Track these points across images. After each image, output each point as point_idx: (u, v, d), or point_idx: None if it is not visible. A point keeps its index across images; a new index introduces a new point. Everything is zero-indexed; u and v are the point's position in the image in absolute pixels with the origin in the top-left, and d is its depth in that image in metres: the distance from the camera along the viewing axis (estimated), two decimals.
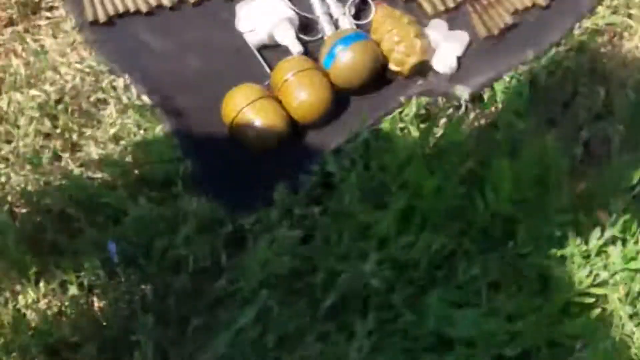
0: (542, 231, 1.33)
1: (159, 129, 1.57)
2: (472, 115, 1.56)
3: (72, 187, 1.48)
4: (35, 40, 1.76)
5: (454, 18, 1.76)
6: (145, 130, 1.59)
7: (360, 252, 1.32)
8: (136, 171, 1.47)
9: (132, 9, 1.79)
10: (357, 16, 1.78)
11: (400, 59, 1.66)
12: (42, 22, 1.80)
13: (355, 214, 1.30)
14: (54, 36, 1.77)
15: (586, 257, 1.34)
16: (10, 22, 1.79)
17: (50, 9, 1.83)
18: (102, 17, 1.77)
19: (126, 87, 1.63)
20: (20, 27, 1.79)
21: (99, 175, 1.46)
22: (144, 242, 1.39)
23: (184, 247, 1.32)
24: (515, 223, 1.34)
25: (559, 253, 1.33)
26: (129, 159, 1.49)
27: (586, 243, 1.34)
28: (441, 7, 1.78)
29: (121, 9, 1.79)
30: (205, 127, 1.61)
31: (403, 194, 1.34)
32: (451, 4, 1.79)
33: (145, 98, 1.62)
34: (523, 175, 1.34)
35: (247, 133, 1.56)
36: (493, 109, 1.57)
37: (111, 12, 1.78)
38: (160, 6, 1.79)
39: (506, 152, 1.41)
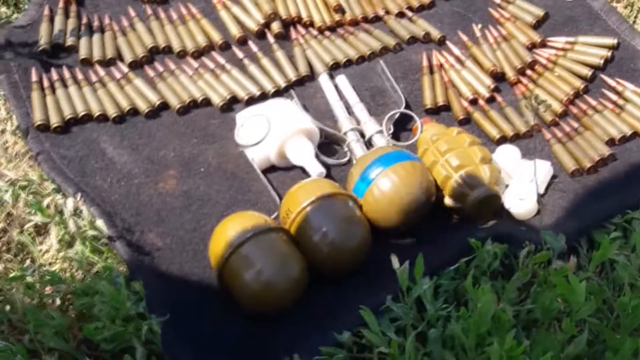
0: None
1: (117, 271, 1.23)
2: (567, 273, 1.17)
3: None
4: None
5: (528, 144, 1.47)
6: (96, 271, 1.26)
7: None
8: (78, 331, 1.17)
9: (96, 112, 1.47)
10: (396, 136, 1.47)
11: (461, 192, 1.32)
12: None
13: None
14: None
15: None
16: None
17: None
18: (55, 120, 1.45)
19: (76, 211, 1.32)
20: None
21: (22, 335, 1.16)
22: None
23: None
24: None
25: None
26: (69, 312, 1.20)
27: None
28: (509, 132, 1.48)
29: (81, 112, 1.47)
30: (184, 271, 1.28)
31: None
32: (522, 128, 1.48)
33: (102, 226, 1.30)
34: None
35: (245, 283, 1.20)
36: (593, 265, 1.21)
37: (67, 114, 1.46)
38: (133, 112, 1.50)
39: None
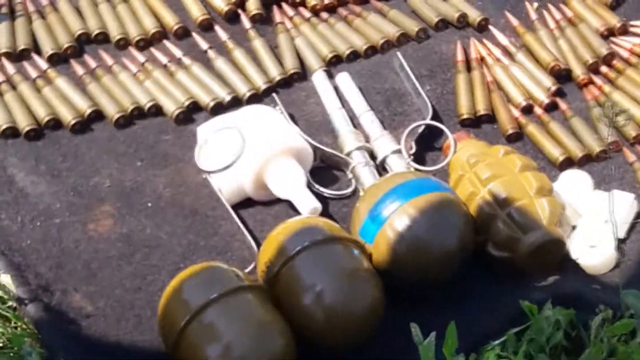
0: None
1: (30, 346, 1.24)
2: None
3: None
4: None
5: (604, 170, 1.51)
6: (1, 346, 1.27)
7: None
8: None
9: (2, 124, 1.52)
10: (420, 158, 1.51)
11: (510, 236, 1.35)
12: None
13: None
14: None
15: None
16: None
17: None
18: None
19: None
20: None
21: None
22: None
23: None
24: None
25: None
26: None
27: None
28: (577, 152, 1.51)
29: None
30: (123, 346, 1.29)
31: None
32: (596, 147, 1.51)
33: (8, 283, 1.32)
34: None
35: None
36: None
37: None
38: (54, 124, 1.54)
39: None
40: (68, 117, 1.53)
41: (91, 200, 1.44)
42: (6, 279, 1.31)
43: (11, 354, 1.24)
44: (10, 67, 1.59)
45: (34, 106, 1.54)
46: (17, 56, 1.61)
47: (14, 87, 1.57)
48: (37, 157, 1.49)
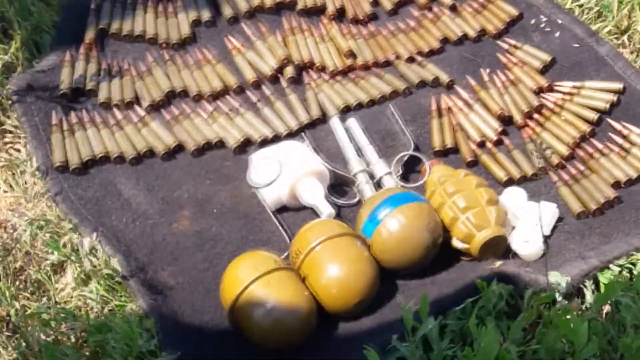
0: None
1: (131, 309, 1.26)
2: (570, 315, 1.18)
3: None
4: None
5: (535, 187, 1.48)
6: (111, 309, 1.28)
7: None
8: None
9: (114, 153, 1.50)
10: (405, 178, 1.50)
11: (468, 233, 1.34)
12: None
13: None
14: (7, 182, 1.47)
15: None
16: None
17: (9, 149, 1.54)
18: (73, 162, 1.49)
19: (92, 250, 1.34)
20: None
21: None
22: None
23: None
24: None
25: None
26: (83, 349, 1.22)
27: None
28: (516, 174, 1.50)
29: (99, 153, 1.50)
30: (196, 310, 1.30)
31: None
32: (529, 171, 1.50)
33: (116, 265, 1.32)
34: None
35: (256, 320, 1.22)
36: (596, 306, 1.22)
37: (86, 155, 1.49)
38: (149, 154, 1.54)
39: None
40: (159, 148, 1.53)
41: (174, 207, 1.45)
42: (115, 262, 1.31)
43: (117, 315, 1.24)
44: (119, 114, 1.59)
45: (135, 141, 1.54)
46: (125, 105, 1.61)
47: (122, 128, 1.57)
48: (138, 176, 1.49)
